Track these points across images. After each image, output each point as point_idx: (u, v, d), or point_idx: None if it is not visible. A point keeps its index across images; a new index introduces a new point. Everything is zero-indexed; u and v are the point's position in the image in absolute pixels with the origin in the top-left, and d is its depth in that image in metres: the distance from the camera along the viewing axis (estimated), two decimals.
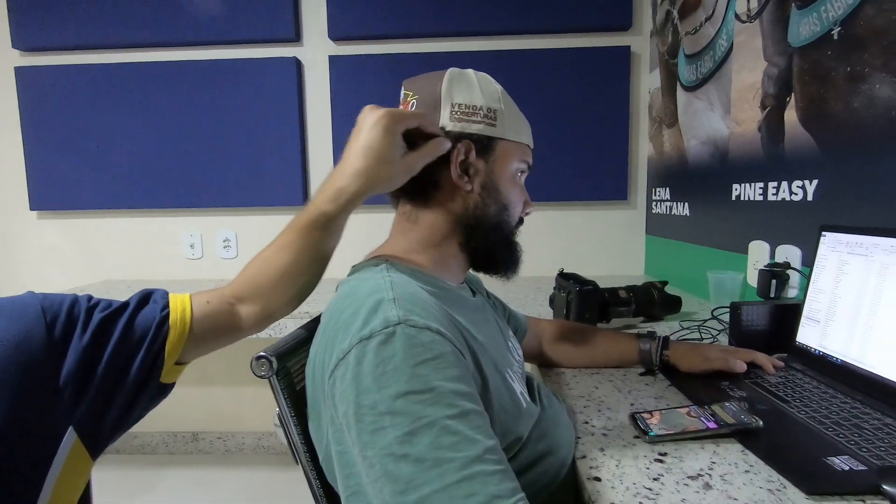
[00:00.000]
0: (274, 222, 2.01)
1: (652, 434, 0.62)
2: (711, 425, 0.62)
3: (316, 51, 1.94)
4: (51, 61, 1.95)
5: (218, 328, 0.59)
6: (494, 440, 0.45)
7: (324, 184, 0.62)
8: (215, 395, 2.07)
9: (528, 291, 1.67)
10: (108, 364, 0.50)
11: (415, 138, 0.62)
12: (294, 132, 1.94)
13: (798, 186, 1.04)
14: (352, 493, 0.50)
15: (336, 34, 1.91)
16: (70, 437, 0.48)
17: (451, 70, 0.67)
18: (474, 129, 0.65)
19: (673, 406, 0.70)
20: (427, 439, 0.42)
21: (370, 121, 0.59)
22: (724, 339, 1.04)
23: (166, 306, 0.56)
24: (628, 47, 1.86)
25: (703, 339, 1.05)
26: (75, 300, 0.51)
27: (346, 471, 0.50)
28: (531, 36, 1.87)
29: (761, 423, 0.62)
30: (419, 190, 0.66)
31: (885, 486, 0.44)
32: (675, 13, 1.65)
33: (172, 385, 0.56)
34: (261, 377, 0.55)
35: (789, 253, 1.08)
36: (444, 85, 0.65)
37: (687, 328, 1.13)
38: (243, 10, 1.88)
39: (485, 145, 0.66)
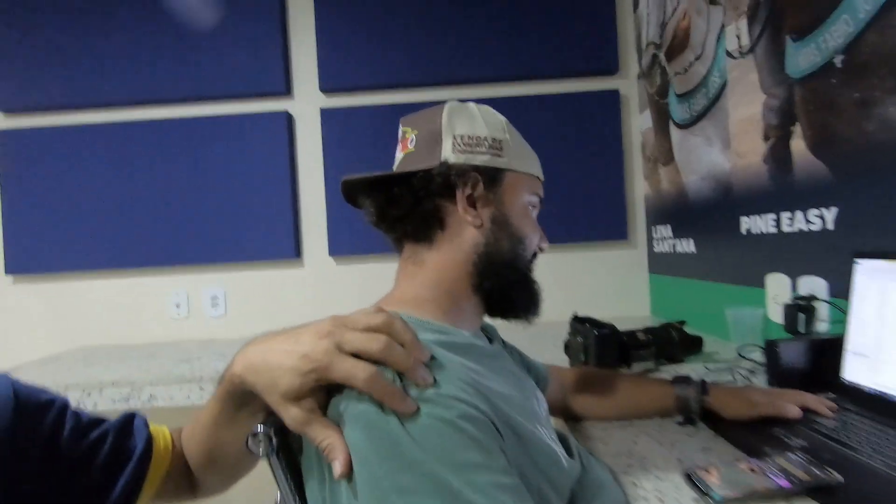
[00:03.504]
0: (263, 277, 1.95)
1: (717, 497, 0.54)
2: (784, 483, 0.54)
3: (307, 104, 1.94)
4: (34, 123, 1.91)
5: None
6: None
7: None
8: None
9: (531, 337, 1.59)
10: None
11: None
12: (285, 186, 1.90)
13: (815, 215, 1.01)
14: None
15: (327, 86, 1.91)
16: None
17: (449, 102, 0.64)
18: (479, 160, 0.61)
19: (729, 460, 0.62)
20: None
21: (311, 336, 0.41)
22: (758, 381, 0.97)
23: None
24: (617, 90, 1.89)
25: (735, 381, 0.97)
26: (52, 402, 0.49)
27: None
28: (520, 82, 1.89)
29: (841, 477, 0.54)
30: (423, 229, 0.61)
31: None
32: (661, 56, 1.68)
33: None
34: (259, 457, 0.46)
35: (813, 285, 1.03)
36: (444, 118, 0.62)
37: (714, 370, 1.06)
38: (233, 64, 1.88)
39: (492, 177, 0.62)
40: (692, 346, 1.17)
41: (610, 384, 0.84)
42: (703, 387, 0.79)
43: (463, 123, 0.62)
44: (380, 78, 1.90)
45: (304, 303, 1.92)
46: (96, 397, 1.33)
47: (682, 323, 1.20)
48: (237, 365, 0.42)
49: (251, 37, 1.88)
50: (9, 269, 1.91)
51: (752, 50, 1.19)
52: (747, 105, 1.22)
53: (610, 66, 1.89)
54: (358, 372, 0.39)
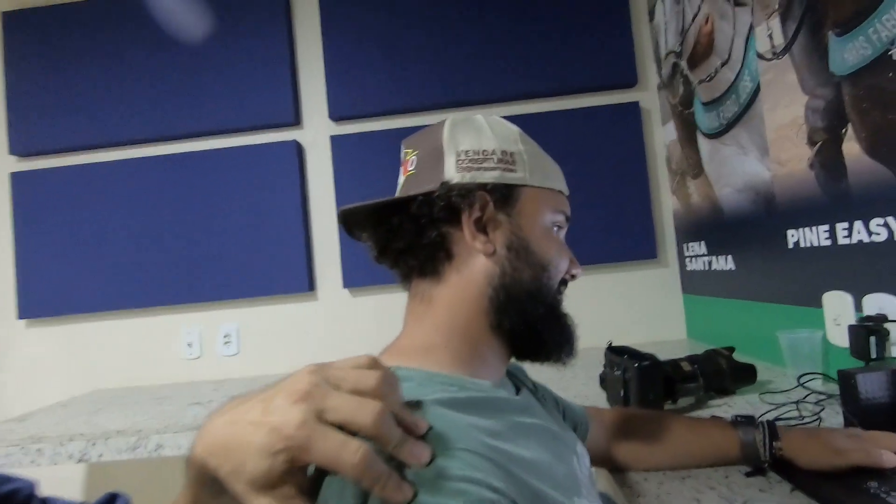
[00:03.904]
0: (277, 312, 1.88)
1: None
2: None
3: (317, 132, 1.90)
4: (47, 164, 1.91)
5: None
6: None
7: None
8: None
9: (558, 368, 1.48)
10: None
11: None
12: (297, 217, 1.85)
13: (879, 225, 0.90)
14: None
15: (337, 114, 1.87)
16: None
17: (452, 116, 0.57)
18: (488, 177, 0.53)
19: None
20: None
21: (285, 401, 0.30)
22: (828, 416, 0.84)
23: None
24: (637, 103, 1.80)
25: (803, 418, 0.85)
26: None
27: None
28: (535, 100, 1.83)
29: None
30: (429, 262, 0.53)
31: None
32: (683, 64, 1.60)
33: None
34: None
35: (883, 303, 0.91)
36: (445, 133, 0.55)
37: (773, 404, 0.94)
38: (241, 96, 1.86)
39: (504, 195, 0.53)
40: (744, 375, 1.05)
41: (660, 427, 0.73)
42: (772, 429, 0.67)
43: (467, 137, 0.55)
44: (391, 102, 1.85)
45: (319, 338, 1.85)
46: (101, 447, 1.26)
47: (731, 349, 1.08)
48: (198, 444, 0.32)
49: (259, 68, 1.86)
50: (22, 314, 1.87)
51: (787, 49, 1.10)
52: (786, 108, 1.12)
53: (628, 78, 1.81)
54: (346, 454, 0.29)
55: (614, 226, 1.78)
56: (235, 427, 0.31)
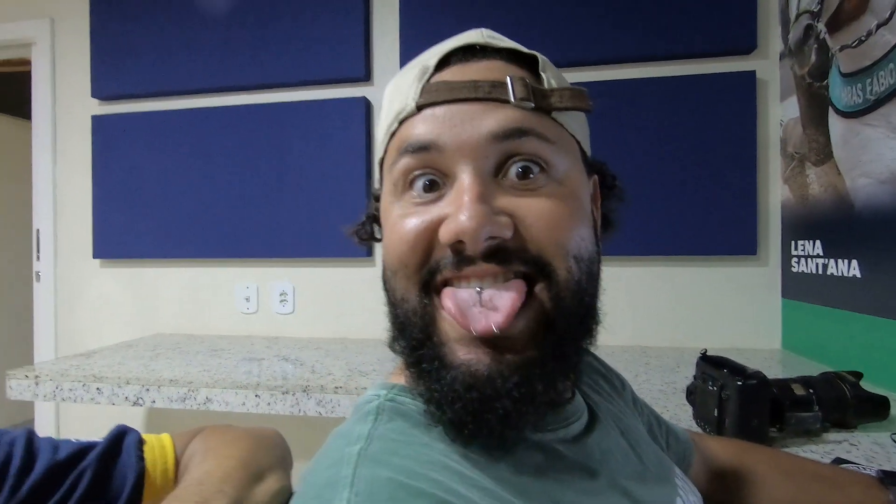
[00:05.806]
0: (334, 275, 1.83)
1: None
2: None
3: None
4: (125, 109, 1.94)
5: None
6: None
7: None
8: None
9: (629, 365, 1.33)
10: None
11: None
12: (360, 177, 1.77)
13: None
14: None
15: None
16: None
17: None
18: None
19: None
20: None
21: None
22: None
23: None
24: (752, 73, 1.55)
25: None
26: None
27: None
28: (634, 64, 1.61)
29: None
30: None
31: None
32: (819, 27, 1.33)
33: None
34: None
35: None
36: None
37: None
38: (310, 48, 1.78)
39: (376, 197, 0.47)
40: (873, 409, 0.87)
41: (783, 473, 0.58)
42: None
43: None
44: None
45: (373, 307, 1.78)
46: (154, 394, 1.26)
47: (858, 375, 0.89)
48: None
49: (330, 17, 1.76)
50: (96, 254, 1.95)
51: None
52: None
53: (745, 43, 1.55)
54: None
55: (710, 214, 1.56)
56: None
